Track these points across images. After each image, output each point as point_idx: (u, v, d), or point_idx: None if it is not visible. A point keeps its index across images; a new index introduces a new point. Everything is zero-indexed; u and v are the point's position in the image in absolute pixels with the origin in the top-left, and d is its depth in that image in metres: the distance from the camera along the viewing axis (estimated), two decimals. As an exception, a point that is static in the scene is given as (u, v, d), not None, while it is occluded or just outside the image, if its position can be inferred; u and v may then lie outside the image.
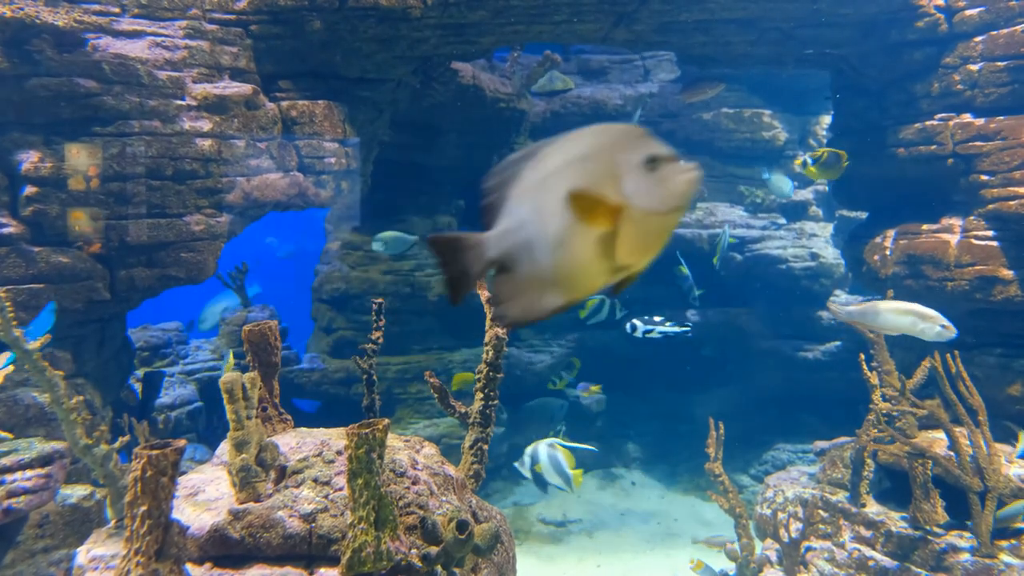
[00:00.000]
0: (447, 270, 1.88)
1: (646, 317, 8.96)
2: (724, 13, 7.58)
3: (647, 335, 8.72)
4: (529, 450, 7.27)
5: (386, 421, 3.20)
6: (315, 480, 3.62)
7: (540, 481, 7.33)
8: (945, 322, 5.69)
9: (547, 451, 7.13)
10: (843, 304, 10.75)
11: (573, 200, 1.64)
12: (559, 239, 1.70)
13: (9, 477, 5.12)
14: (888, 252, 8.03)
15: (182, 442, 3.01)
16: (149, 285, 6.59)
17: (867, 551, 6.36)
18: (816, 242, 11.37)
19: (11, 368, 5.13)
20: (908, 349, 7.50)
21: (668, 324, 8.75)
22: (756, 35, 8.01)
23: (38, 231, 6.15)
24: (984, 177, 7.12)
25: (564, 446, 7.25)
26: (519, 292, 1.81)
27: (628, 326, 8.93)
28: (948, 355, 6.14)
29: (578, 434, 10.95)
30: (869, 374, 6.58)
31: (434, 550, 3.40)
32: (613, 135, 1.72)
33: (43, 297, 6.04)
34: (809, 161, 8.26)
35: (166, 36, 6.80)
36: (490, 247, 1.82)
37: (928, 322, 5.70)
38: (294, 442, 4.01)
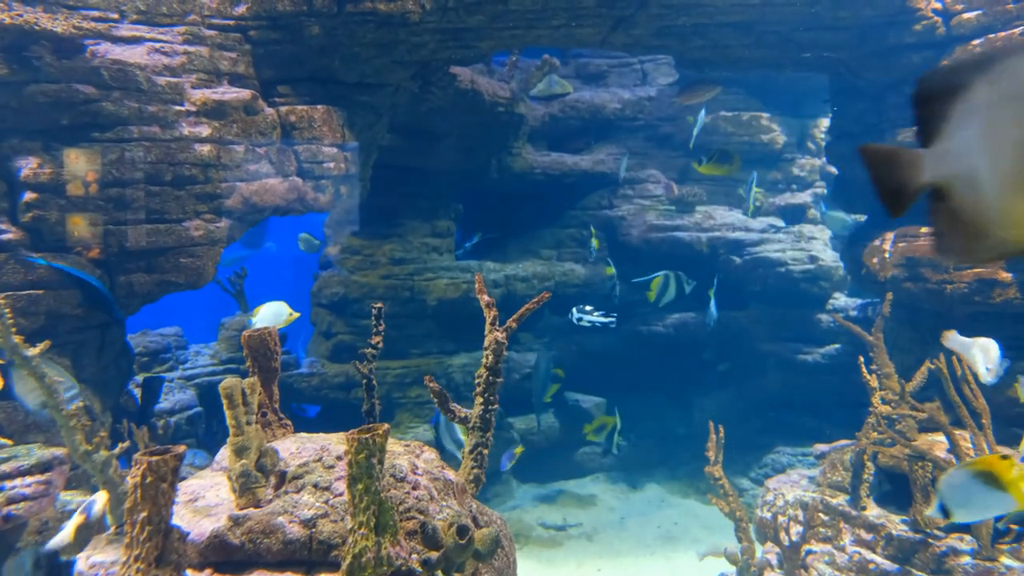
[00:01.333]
0: (881, 184, 1.66)
1: (580, 306, 9.34)
2: (722, 17, 7.60)
3: (579, 323, 9.23)
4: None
5: (386, 426, 3.19)
6: (315, 485, 3.61)
7: (439, 444, 7.84)
8: (993, 364, 5.62)
9: (445, 419, 7.58)
10: (843, 307, 10.75)
11: None
12: (1015, 180, 1.39)
13: (9, 483, 5.10)
14: (887, 255, 8.03)
15: (182, 448, 3.00)
16: (148, 291, 6.59)
17: (868, 554, 6.35)
18: (815, 245, 11.36)
19: None
20: (907, 352, 7.50)
21: (596, 314, 9.22)
22: (754, 39, 8.03)
23: (37, 237, 6.15)
24: (982, 179, 7.13)
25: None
26: (959, 227, 1.54)
27: (569, 313, 9.47)
28: (954, 357, 6.11)
29: (578, 436, 10.94)
30: (868, 377, 6.57)
31: (434, 555, 3.39)
32: None
33: (42, 303, 6.04)
34: (703, 159, 9.21)
35: (165, 42, 6.81)
36: (926, 168, 1.58)
37: (985, 362, 5.64)
38: (294, 447, 4.00)
